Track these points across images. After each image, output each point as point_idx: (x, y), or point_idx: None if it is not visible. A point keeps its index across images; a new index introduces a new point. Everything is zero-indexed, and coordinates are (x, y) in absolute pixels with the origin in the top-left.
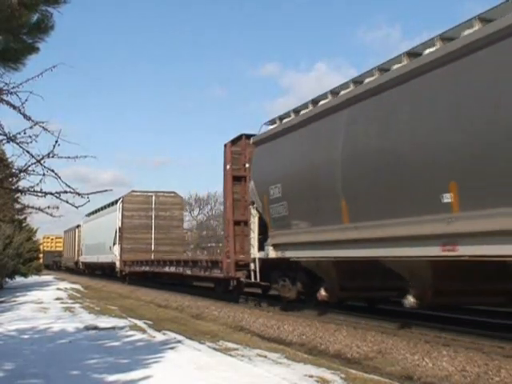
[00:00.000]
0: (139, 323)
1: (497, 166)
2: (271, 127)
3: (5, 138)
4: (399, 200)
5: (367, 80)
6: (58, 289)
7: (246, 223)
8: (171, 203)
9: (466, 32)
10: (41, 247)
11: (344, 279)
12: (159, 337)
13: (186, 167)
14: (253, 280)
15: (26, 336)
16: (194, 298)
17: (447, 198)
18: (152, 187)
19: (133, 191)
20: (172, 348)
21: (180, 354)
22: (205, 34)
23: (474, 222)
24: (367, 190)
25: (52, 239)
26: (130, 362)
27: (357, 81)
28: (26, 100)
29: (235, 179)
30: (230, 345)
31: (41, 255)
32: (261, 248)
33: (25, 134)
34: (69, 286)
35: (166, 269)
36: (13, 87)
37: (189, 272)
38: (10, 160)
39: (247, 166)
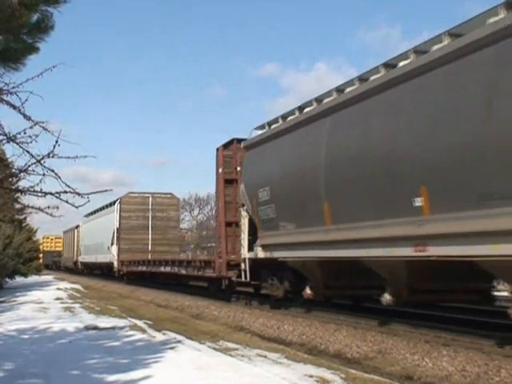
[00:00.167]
0: (139, 323)
1: (460, 173)
2: (261, 132)
3: (5, 138)
4: (376, 203)
5: (348, 89)
6: (58, 289)
7: (238, 224)
8: (168, 204)
9: (436, 47)
10: (40, 247)
11: (328, 278)
12: (159, 337)
13: (186, 167)
14: (243, 279)
15: (25, 336)
16: (194, 298)
17: (418, 201)
18: (152, 187)
19: (130, 192)
20: (172, 348)
21: (180, 353)
22: (205, 34)
23: (443, 224)
24: (348, 194)
25: (52, 239)
26: (129, 361)
27: (339, 89)
28: (26, 100)
29: (227, 182)
30: (230, 345)
31: (40, 255)
32: (251, 248)
33: (25, 133)
34: (69, 285)
35: (162, 268)
36: (13, 87)
37: (183, 272)
38: (10, 160)
39: (238, 169)
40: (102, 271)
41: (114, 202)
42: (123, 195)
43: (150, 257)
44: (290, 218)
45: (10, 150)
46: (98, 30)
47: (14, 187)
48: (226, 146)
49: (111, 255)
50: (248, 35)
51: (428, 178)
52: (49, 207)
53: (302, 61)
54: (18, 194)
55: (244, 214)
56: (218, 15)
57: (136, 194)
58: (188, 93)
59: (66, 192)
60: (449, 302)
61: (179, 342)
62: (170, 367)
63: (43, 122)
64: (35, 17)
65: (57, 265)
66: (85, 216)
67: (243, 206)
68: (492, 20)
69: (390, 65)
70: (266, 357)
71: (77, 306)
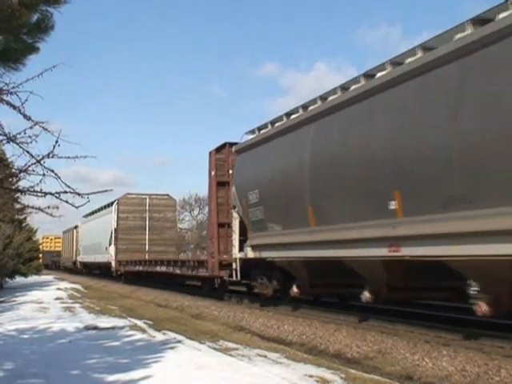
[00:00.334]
0: (139, 323)
1: (429, 179)
2: (251, 137)
3: (5, 138)
4: (355, 206)
5: (330, 98)
6: (58, 289)
7: (230, 225)
8: (164, 205)
9: (409, 59)
10: (40, 247)
11: (314, 277)
12: (159, 337)
13: (186, 167)
14: (234, 278)
15: (25, 336)
16: (194, 297)
17: (393, 205)
18: (152, 187)
19: (128, 194)
20: (172, 348)
21: (180, 353)
22: (204, 34)
23: (414, 226)
24: (329, 197)
25: (51, 239)
26: (129, 361)
27: (323, 97)
28: (26, 100)
29: (219, 184)
30: (230, 345)
31: (40, 255)
32: (241, 249)
33: (25, 134)
34: (69, 285)
35: (158, 268)
36: (13, 87)
37: (178, 271)
38: (10, 160)
39: (230, 172)
40: (100, 271)
41: (112, 203)
42: (121, 196)
43: (147, 257)
44: (278, 220)
45: (10, 150)
46: (97, 31)
47: (14, 187)
48: (219, 149)
49: (109, 255)
50: (248, 35)
51: (401, 183)
52: (49, 207)
53: (301, 61)
54: (18, 194)
55: (235, 215)
56: (218, 15)
57: (133, 195)
58: (188, 93)
59: (65, 192)
60: (426, 299)
61: (179, 341)
62: (170, 367)
63: (43, 122)
64: (35, 17)
65: (56, 265)
66: (83, 216)
67: (234, 207)
68: (458, 36)
69: (369, 75)
70: (265, 357)
71: (77, 305)
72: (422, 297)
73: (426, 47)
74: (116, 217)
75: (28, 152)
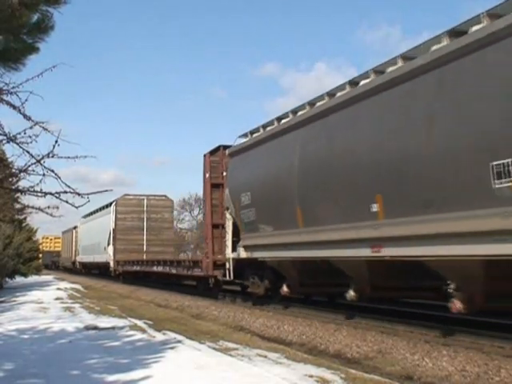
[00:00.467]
0: (139, 323)
1: (408, 183)
2: (244, 140)
3: (5, 138)
4: (341, 209)
5: (318, 104)
6: (58, 289)
7: (224, 226)
8: (162, 206)
9: (390, 68)
10: (40, 247)
11: (303, 276)
12: (159, 337)
13: (186, 167)
14: (227, 278)
15: (25, 336)
16: (194, 297)
17: (375, 207)
18: (152, 187)
19: (126, 195)
20: (172, 348)
21: (180, 353)
22: (204, 34)
23: (395, 228)
24: (316, 200)
25: (51, 239)
26: (129, 361)
27: (311, 103)
28: (26, 100)
29: (214, 186)
30: (230, 345)
31: (40, 255)
32: (234, 249)
33: (25, 134)
34: (69, 285)
35: (155, 268)
36: (13, 87)
37: (174, 271)
38: (10, 160)
39: (224, 174)
40: (99, 271)
41: (110, 204)
42: (119, 197)
43: (144, 257)
44: (268, 221)
45: (10, 150)
46: (97, 31)
47: (14, 187)
48: (213, 152)
49: (107, 255)
50: (248, 35)
51: (383, 186)
52: (49, 207)
53: (301, 61)
54: (18, 194)
55: (229, 216)
56: (218, 15)
57: (131, 196)
58: (188, 93)
59: (65, 192)
60: (409, 298)
61: (179, 341)
62: (170, 367)
63: (43, 122)
64: (35, 17)
65: (56, 265)
66: (82, 217)
67: (228, 209)
68: (435, 47)
69: (354, 82)
70: (266, 357)
71: (77, 305)
72: (404, 296)
73: (406, 57)
74: (114, 217)
75: (28, 152)
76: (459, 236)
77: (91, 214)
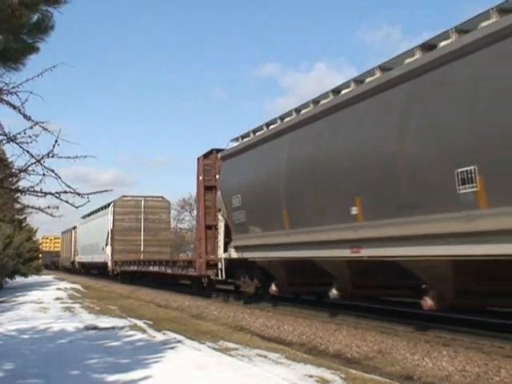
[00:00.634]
0: (139, 323)
1: (383, 187)
2: (235, 144)
3: (5, 138)
4: (323, 211)
5: (303, 111)
6: (58, 289)
7: (216, 227)
8: (159, 207)
9: (368, 79)
10: (40, 247)
11: (291, 276)
12: (159, 337)
13: (186, 167)
14: (220, 277)
15: (25, 336)
16: (194, 298)
17: (354, 210)
18: (152, 187)
19: (123, 196)
20: (172, 348)
21: (180, 353)
22: (205, 34)
23: (372, 229)
24: (301, 202)
25: (50, 240)
26: (129, 361)
27: (297, 110)
28: (26, 100)
29: (207, 188)
30: (230, 345)
31: (40, 255)
32: (226, 249)
33: (25, 133)
34: (69, 285)
35: (151, 268)
36: (13, 87)
37: (169, 271)
38: (10, 160)
39: (217, 176)
40: (98, 271)
41: (109, 205)
42: (117, 198)
43: (142, 257)
44: (258, 223)
45: (10, 150)
46: (97, 31)
47: (14, 187)
48: (206, 155)
49: (106, 255)
50: (248, 35)
51: (361, 190)
52: (49, 207)
53: (301, 61)
54: (18, 194)
55: (221, 218)
56: (218, 15)
57: (129, 198)
58: (188, 93)
59: (66, 192)
60: (389, 296)
61: (179, 341)
62: (170, 367)
63: (43, 122)
64: (35, 17)
65: (55, 265)
66: (81, 218)
67: (220, 210)
68: (407, 60)
69: (336, 91)
70: (266, 357)
71: (77, 305)
72: (384, 294)
73: (383, 68)
74: (112, 218)
75: (28, 152)
76: (428, 237)
77: (90, 214)
